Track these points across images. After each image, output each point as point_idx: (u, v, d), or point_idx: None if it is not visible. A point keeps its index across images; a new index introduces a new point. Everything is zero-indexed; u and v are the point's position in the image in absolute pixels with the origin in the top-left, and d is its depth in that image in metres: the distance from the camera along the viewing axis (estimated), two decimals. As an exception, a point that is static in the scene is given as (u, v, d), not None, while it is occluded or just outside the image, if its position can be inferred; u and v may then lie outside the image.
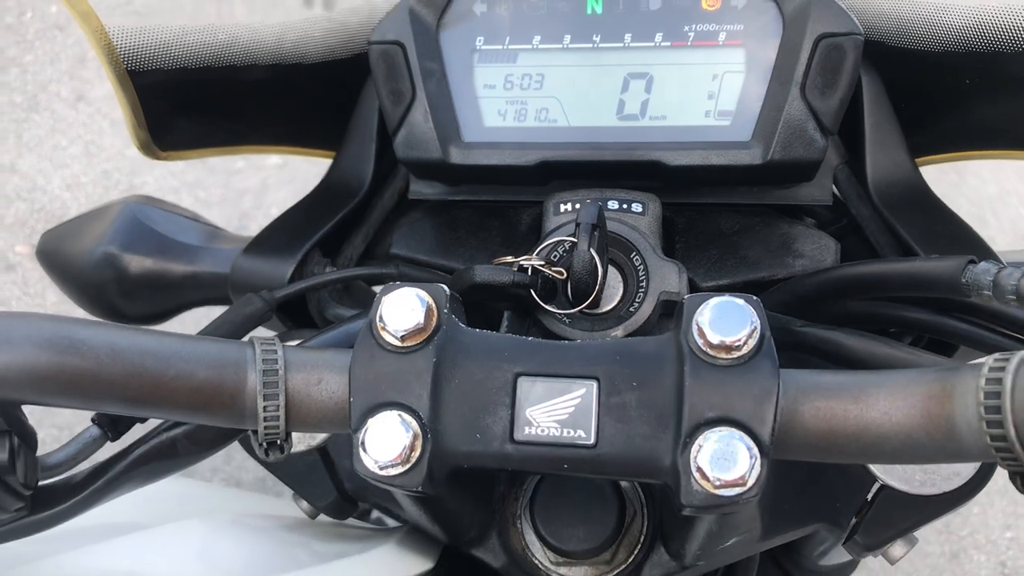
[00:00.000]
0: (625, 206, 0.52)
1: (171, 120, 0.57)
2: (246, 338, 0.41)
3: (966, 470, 0.48)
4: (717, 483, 0.34)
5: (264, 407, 0.39)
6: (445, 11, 0.54)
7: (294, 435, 0.54)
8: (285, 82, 0.59)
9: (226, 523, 0.53)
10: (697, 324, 0.36)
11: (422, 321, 0.38)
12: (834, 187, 0.58)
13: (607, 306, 0.50)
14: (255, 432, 0.40)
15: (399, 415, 0.37)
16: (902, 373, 0.35)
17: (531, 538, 0.49)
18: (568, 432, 0.37)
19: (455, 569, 0.52)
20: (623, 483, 0.49)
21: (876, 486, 0.49)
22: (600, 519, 0.48)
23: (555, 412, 0.37)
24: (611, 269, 0.50)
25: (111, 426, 0.46)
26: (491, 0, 0.54)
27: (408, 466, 0.37)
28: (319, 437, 0.54)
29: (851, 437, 0.35)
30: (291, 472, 0.54)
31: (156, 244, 0.64)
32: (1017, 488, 0.35)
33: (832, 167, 0.57)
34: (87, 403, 0.37)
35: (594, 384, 0.37)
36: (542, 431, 0.37)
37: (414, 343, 0.38)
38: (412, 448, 0.37)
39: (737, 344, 0.36)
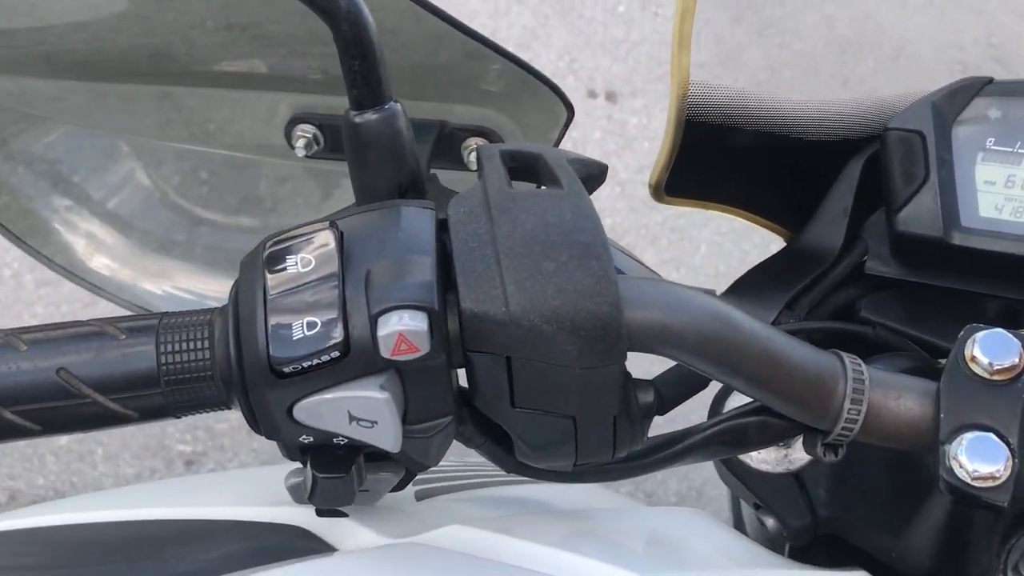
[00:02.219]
0: None
1: (686, 170, 0.65)
2: None
3: None
4: None
5: (848, 410, 0.45)
6: (963, 110, 0.61)
7: (772, 459, 0.60)
8: (779, 153, 0.67)
9: (690, 513, 0.58)
10: None
11: (1016, 360, 0.44)
12: None
13: None
14: (822, 432, 0.47)
15: (993, 437, 0.42)
16: None
17: None
18: None
19: None
20: None
21: None
22: None
23: None
24: None
25: (660, 405, 0.53)
26: (1006, 108, 0.61)
27: (997, 483, 0.42)
28: (798, 463, 0.59)
29: None
30: (765, 490, 0.60)
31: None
32: None
33: None
34: (721, 371, 0.44)
35: None
36: None
37: (1003, 378, 0.44)
38: (1004, 467, 0.42)
39: None
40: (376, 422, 0.40)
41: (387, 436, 0.40)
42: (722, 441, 0.49)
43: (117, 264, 0.67)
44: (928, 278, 0.65)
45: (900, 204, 0.61)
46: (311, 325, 0.39)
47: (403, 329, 0.38)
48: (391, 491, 0.48)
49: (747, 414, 0.49)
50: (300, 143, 0.63)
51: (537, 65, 0.59)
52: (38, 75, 0.60)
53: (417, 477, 0.59)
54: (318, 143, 0.63)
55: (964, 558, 0.54)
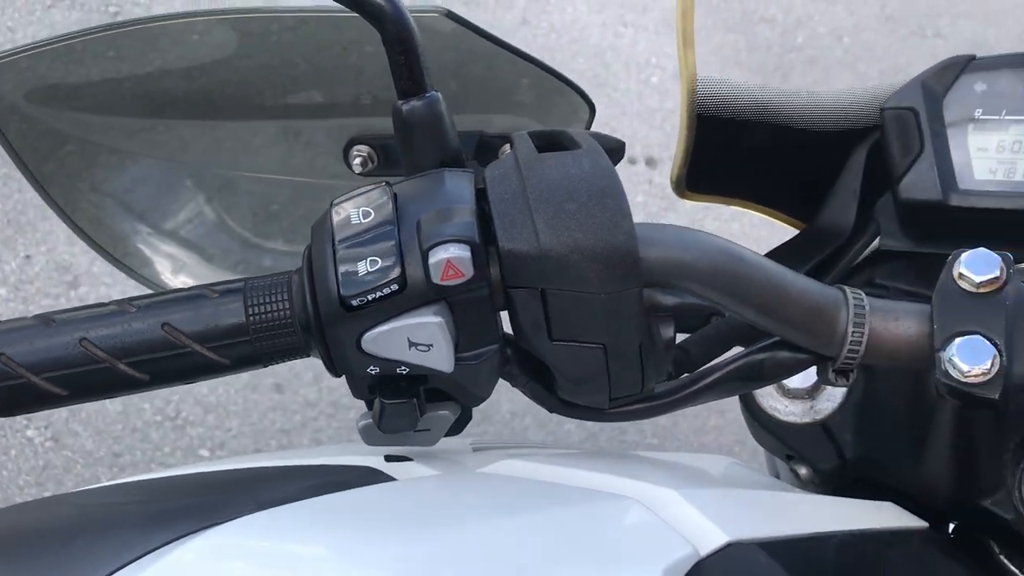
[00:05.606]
0: None
1: (703, 165, 0.72)
2: None
3: None
4: None
5: (852, 334, 0.50)
6: (951, 87, 0.67)
7: (799, 411, 0.65)
8: (787, 146, 0.73)
9: (723, 458, 0.63)
10: None
11: (998, 273, 0.49)
12: None
13: None
14: (830, 359, 0.52)
15: (981, 339, 0.47)
16: None
17: None
18: None
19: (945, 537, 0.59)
20: None
21: None
22: None
23: None
24: None
25: (689, 361, 0.59)
26: (991, 82, 0.67)
27: (987, 378, 0.47)
28: (823, 412, 0.64)
29: None
30: (795, 441, 0.65)
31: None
32: None
33: None
34: (732, 301, 0.50)
35: None
36: None
37: (988, 290, 0.49)
38: (992, 364, 0.47)
39: None
40: (432, 345, 0.47)
41: (441, 358, 0.47)
42: (741, 376, 0.55)
43: (194, 281, 0.75)
44: (935, 248, 0.70)
45: (900, 174, 0.67)
46: (373, 263, 0.46)
47: (450, 256, 0.45)
48: (448, 434, 0.54)
49: (762, 350, 0.55)
50: (356, 161, 0.71)
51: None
52: (128, 114, 0.69)
53: (477, 440, 0.65)
54: (372, 161, 0.72)
55: (978, 480, 0.57)
